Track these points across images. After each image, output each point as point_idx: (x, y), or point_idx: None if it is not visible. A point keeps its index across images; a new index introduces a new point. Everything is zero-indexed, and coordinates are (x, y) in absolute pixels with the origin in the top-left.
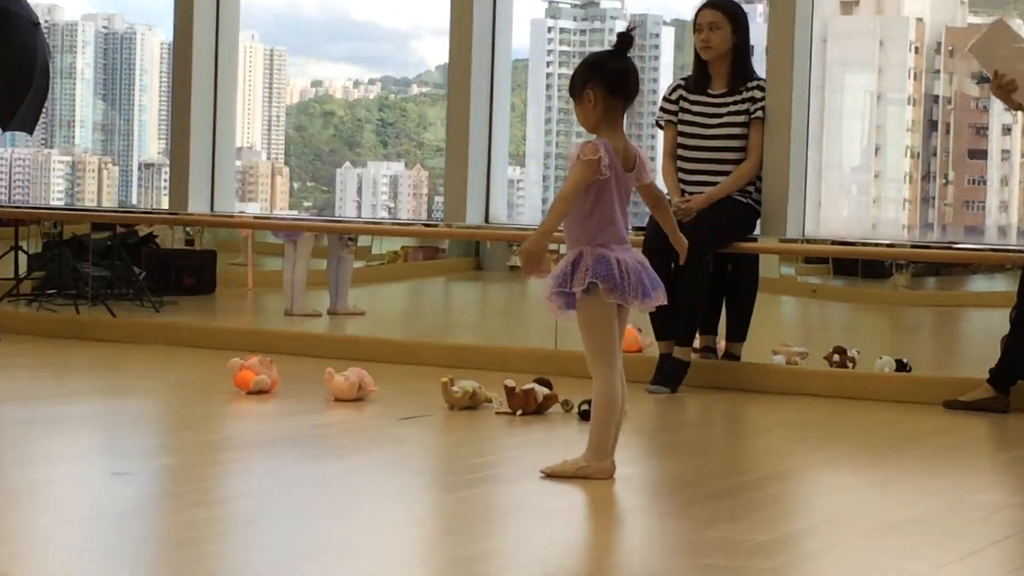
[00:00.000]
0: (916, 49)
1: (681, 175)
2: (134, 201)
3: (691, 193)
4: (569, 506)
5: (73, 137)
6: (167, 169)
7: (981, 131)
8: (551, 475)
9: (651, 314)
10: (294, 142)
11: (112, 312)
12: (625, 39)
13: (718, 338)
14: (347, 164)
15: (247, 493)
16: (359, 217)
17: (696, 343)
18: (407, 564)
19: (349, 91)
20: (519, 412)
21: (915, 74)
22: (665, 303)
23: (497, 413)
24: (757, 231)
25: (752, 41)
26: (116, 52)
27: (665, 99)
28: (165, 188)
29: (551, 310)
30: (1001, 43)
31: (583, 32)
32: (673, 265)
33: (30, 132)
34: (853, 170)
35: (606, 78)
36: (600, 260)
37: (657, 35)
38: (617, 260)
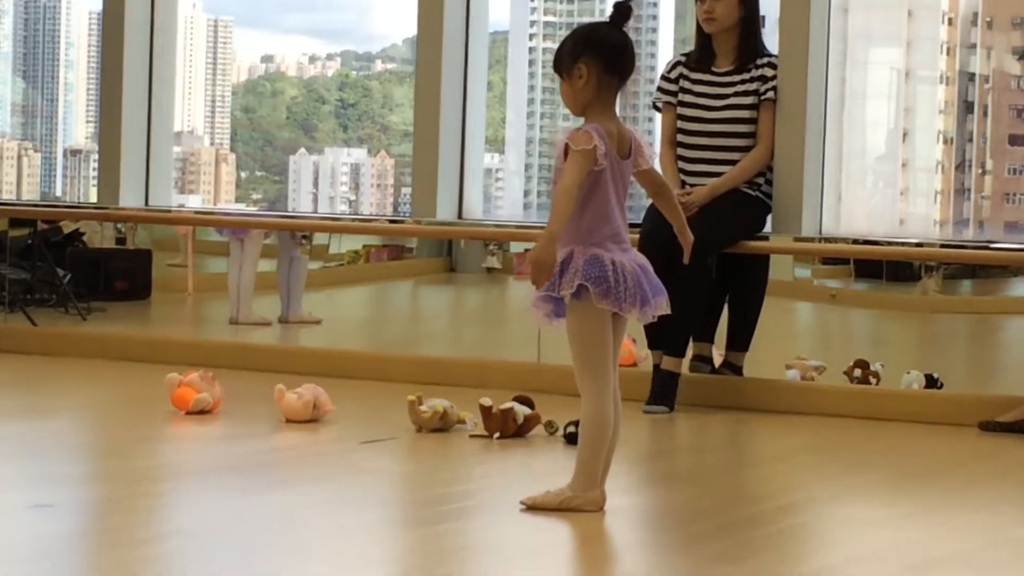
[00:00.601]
0: (949, 20)
1: (681, 164)
2: (58, 193)
3: (692, 185)
4: (554, 543)
5: None
6: (96, 157)
7: (1023, 114)
8: (533, 507)
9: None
10: (241, 126)
11: (32, 320)
12: (623, 9)
13: (714, 347)
14: (302, 151)
15: (185, 529)
16: (315, 212)
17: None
18: None
19: (304, 67)
20: (496, 435)
21: (948, 49)
22: (668, 312)
23: (471, 436)
24: (768, 228)
25: (762, 12)
26: (38, 23)
27: (663, 78)
28: (94, 178)
29: (536, 318)
30: None
31: (571, 1)
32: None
33: None
34: (877, 159)
35: (602, 51)
36: (592, 261)
37: (655, 4)
38: (612, 262)
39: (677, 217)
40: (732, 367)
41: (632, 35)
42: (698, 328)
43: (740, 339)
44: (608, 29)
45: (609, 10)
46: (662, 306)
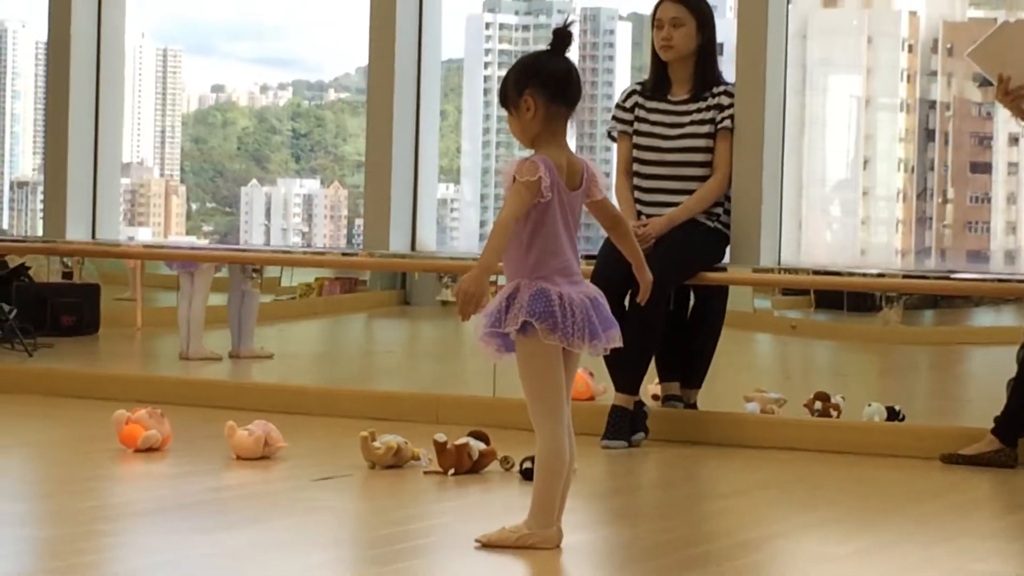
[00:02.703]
0: (909, 47)
1: (638, 194)
2: (4, 226)
3: (649, 215)
4: None
5: None
6: (43, 189)
7: (985, 142)
8: (489, 545)
9: (606, 358)
10: (192, 157)
11: None
12: (562, 36)
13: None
14: (253, 182)
15: (133, 571)
16: (267, 244)
17: (657, 390)
18: None
19: (255, 97)
20: (451, 471)
21: (908, 76)
22: (620, 345)
23: (426, 473)
24: (726, 259)
25: (720, 40)
26: None
27: (618, 106)
28: (40, 211)
29: (487, 353)
30: (1016, 44)
31: (526, 28)
32: (629, 301)
33: None
34: (838, 187)
35: (547, 81)
36: (538, 296)
37: (612, 32)
38: (560, 295)
39: (635, 254)
40: (687, 406)
41: (588, 63)
42: (662, 368)
43: (695, 375)
44: (549, 57)
45: (551, 36)
46: (614, 339)
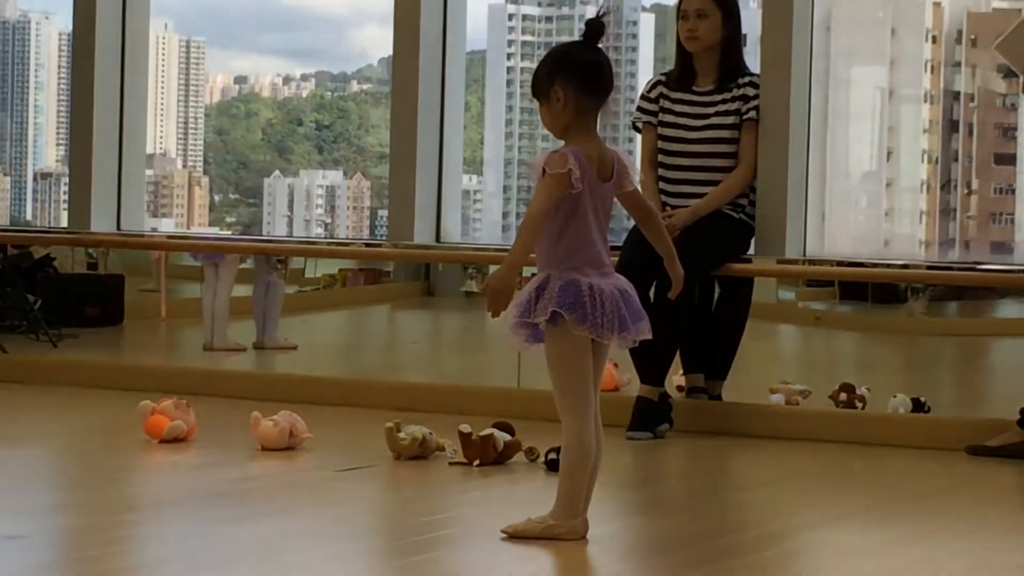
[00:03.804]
0: (933, 38)
1: (662, 185)
2: (28, 217)
3: (673, 207)
4: (535, 572)
5: None
6: (67, 180)
7: (1009, 133)
8: (514, 536)
9: (632, 350)
10: (215, 148)
11: (2, 347)
12: (595, 27)
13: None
14: (276, 173)
15: (159, 560)
16: (291, 235)
17: (682, 382)
18: None
19: (278, 88)
20: (476, 462)
21: (932, 67)
22: (649, 337)
23: (451, 464)
24: (751, 250)
25: (744, 31)
26: (7, 44)
27: (643, 97)
28: (65, 202)
29: (514, 344)
30: None
31: (549, 20)
32: (654, 292)
33: None
34: (862, 179)
35: (577, 73)
36: (568, 287)
37: (635, 23)
38: (590, 286)
39: (667, 248)
40: (709, 395)
41: (612, 54)
42: (687, 360)
43: (720, 367)
44: (582, 49)
45: (583, 27)
46: (643, 331)
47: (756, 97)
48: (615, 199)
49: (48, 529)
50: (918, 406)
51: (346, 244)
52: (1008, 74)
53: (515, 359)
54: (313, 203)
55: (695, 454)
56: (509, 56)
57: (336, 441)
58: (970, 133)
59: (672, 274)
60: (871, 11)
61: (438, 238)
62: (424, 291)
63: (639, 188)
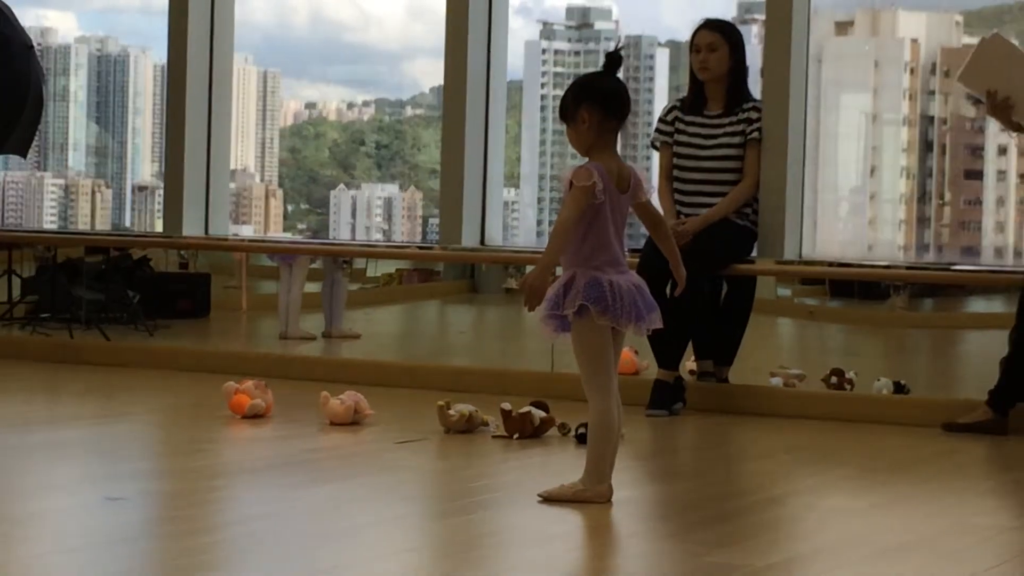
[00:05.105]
0: (911, 70)
1: (678, 196)
2: (128, 224)
3: (687, 215)
4: (567, 531)
5: (66, 160)
6: (161, 192)
7: (977, 151)
8: (548, 499)
9: (650, 338)
10: (288, 164)
11: (106, 336)
12: (614, 59)
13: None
14: (341, 186)
15: (242, 519)
16: (353, 239)
17: (694, 367)
18: None
19: (343, 113)
20: (516, 436)
21: (910, 95)
22: (661, 327)
23: (493, 437)
24: (754, 252)
25: (748, 63)
26: (109, 75)
27: (661, 120)
28: (159, 211)
29: (546, 333)
30: (996, 58)
31: (577, 54)
32: (670, 289)
33: (24, 155)
34: (849, 191)
35: (600, 99)
36: (592, 283)
37: (652, 56)
38: (610, 283)
39: (672, 252)
40: (720, 381)
41: (631, 83)
42: (698, 348)
43: (727, 354)
44: (603, 78)
45: (604, 59)
46: (655, 321)
47: (759, 120)
48: (630, 208)
49: (146, 492)
50: (899, 388)
51: (402, 247)
52: (976, 100)
53: (549, 346)
54: (373, 212)
55: (705, 429)
56: (543, 85)
57: (394, 417)
58: (943, 152)
59: (677, 275)
60: (857, 46)
61: (482, 242)
62: (470, 288)
63: (651, 200)
